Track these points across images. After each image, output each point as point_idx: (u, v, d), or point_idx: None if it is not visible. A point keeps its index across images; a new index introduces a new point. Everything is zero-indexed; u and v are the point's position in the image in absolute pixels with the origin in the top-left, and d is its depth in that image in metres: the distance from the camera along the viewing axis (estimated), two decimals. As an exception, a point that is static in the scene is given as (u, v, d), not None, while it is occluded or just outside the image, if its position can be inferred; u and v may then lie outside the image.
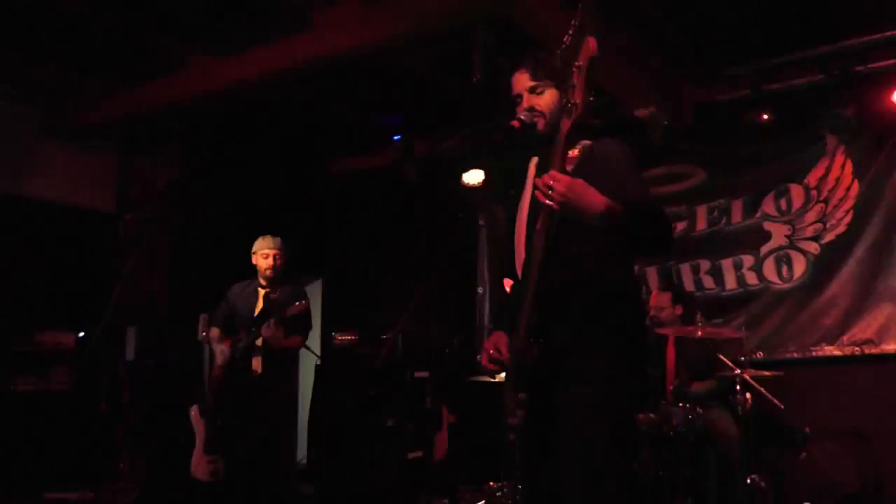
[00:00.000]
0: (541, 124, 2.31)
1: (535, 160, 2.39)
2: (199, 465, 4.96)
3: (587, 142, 2.25)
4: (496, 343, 2.32)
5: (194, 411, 5.08)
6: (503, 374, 2.45)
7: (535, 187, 2.17)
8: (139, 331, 6.31)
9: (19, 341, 5.28)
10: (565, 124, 2.12)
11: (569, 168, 2.14)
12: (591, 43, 2.10)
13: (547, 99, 2.32)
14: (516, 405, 2.21)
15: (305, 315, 4.48)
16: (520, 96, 2.36)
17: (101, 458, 5.23)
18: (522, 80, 2.35)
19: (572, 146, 2.18)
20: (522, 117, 2.31)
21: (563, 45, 3.90)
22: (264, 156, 6.89)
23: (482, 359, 2.34)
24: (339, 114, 6.48)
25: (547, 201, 2.05)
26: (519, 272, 2.29)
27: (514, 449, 4.46)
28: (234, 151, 6.73)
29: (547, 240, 2.10)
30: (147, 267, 6.39)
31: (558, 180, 2.04)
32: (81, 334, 5.68)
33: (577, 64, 2.11)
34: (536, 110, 2.32)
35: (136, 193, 6.71)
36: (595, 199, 2.06)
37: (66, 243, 6.03)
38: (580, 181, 2.07)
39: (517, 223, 2.34)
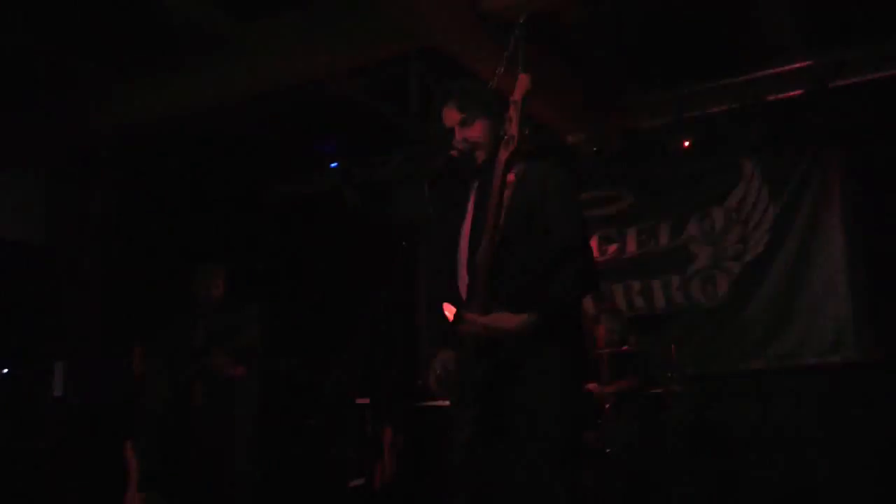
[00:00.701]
0: (477, 154, 2.42)
1: (475, 186, 2.48)
2: (133, 503, 4.86)
3: (522, 165, 2.35)
4: (444, 362, 2.39)
5: (128, 448, 4.97)
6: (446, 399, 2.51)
7: (476, 214, 2.28)
8: (67, 366, 6.13)
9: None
10: (502, 155, 2.24)
11: (507, 195, 2.24)
12: (525, 79, 2.25)
13: (478, 129, 2.42)
14: (466, 422, 2.28)
15: (253, 346, 4.46)
16: (452, 130, 2.44)
17: (33, 498, 5.04)
18: (451, 115, 2.44)
19: (509, 172, 2.28)
20: (460, 147, 2.40)
21: (496, 76, 4.05)
22: (199, 183, 6.82)
23: (430, 380, 2.40)
24: (274, 140, 6.48)
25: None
26: (463, 294, 2.36)
27: (461, 471, 4.51)
28: (167, 179, 6.64)
29: (492, 262, 2.20)
30: (78, 300, 6.23)
31: (472, 323, 2.22)
32: (5, 370, 5.50)
33: (512, 98, 2.25)
34: (470, 141, 2.41)
35: (65, 224, 6.54)
36: (505, 324, 2.21)
37: None
38: (486, 320, 2.21)
39: (459, 247, 2.41)
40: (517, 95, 2.26)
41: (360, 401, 5.88)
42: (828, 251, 5.31)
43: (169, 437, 4.61)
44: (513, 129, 2.24)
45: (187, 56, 4.92)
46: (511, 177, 2.26)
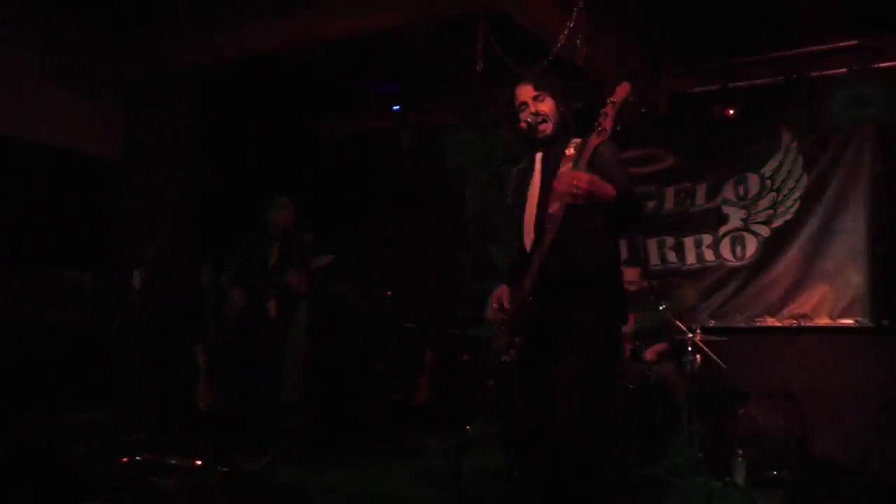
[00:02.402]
0: (545, 127, 2.86)
1: (539, 155, 2.92)
2: (204, 396, 5.52)
3: (579, 140, 2.79)
4: (501, 296, 2.88)
5: (200, 349, 5.61)
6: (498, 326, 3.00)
7: (543, 179, 2.75)
8: (144, 273, 6.73)
9: (42, 277, 5.73)
10: (593, 141, 2.65)
11: (568, 166, 2.70)
12: (626, 87, 2.65)
13: (548, 105, 2.87)
14: (510, 347, 2.79)
15: (323, 270, 5.01)
16: (525, 104, 2.89)
17: (117, 385, 5.72)
18: (527, 90, 2.88)
19: (569, 147, 2.74)
20: (529, 121, 2.85)
21: (559, 44, 4.42)
22: (266, 115, 7.27)
23: (490, 312, 2.90)
24: (339, 81, 6.86)
25: (572, 193, 2.58)
26: (527, 244, 2.83)
27: (494, 392, 5.06)
28: (239, 109, 7.10)
29: (562, 221, 2.66)
30: (154, 215, 6.76)
31: (582, 178, 2.58)
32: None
33: (611, 99, 2.65)
34: (541, 114, 2.86)
35: (140, 144, 7.04)
36: (608, 188, 2.63)
37: (77, 188, 6.33)
38: (596, 177, 2.61)
39: (527, 205, 2.87)
40: (617, 98, 2.65)
41: (406, 326, 6.47)
42: (852, 223, 5.64)
43: (240, 341, 5.23)
44: (607, 123, 2.63)
45: (270, 3, 5.31)
46: (570, 151, 2.71)
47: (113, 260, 6.41)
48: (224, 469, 4.43)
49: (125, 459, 4.29)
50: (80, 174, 6.39)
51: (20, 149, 5.94)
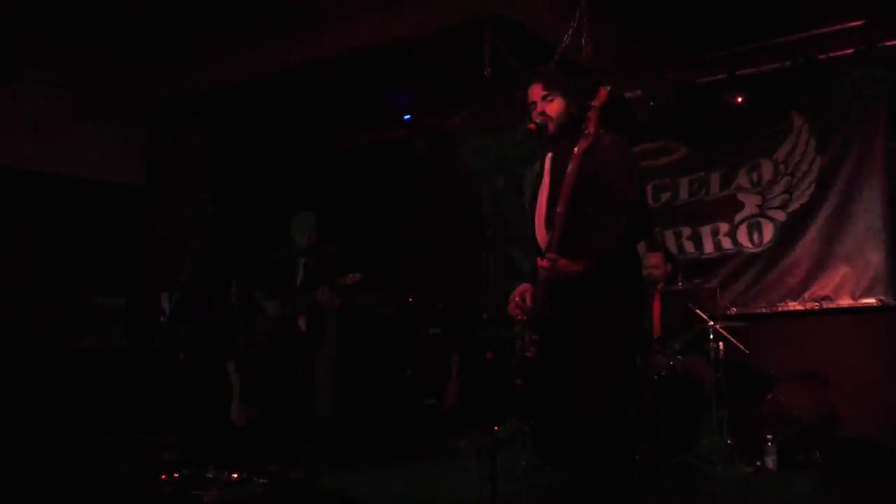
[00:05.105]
0: (551, 126, 2.94)
1: (550, 154, 3.00)
2: (237, 412, 5.63)
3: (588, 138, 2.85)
4: (522, 293, 2.96)
5: (231, 366, 5.73)
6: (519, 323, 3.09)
7: (552, 177, 2.84)
8: (172, 295, 6.88)
9: (77, 304, 5.91)
10: (581, 146, 2.75)
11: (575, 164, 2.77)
12: (603, 93, 2.75)
13: (556, 106, 2.94)
14: (532, 343, 2.87)
15: (352, 286, 5.10)
16: (534, 104, 2.97)
17: (154, 406, 5.86)
18: (536, 90, 2.97)
19: (576, 145, 2.81)
20: (537, 121, 2.94)
21: (563, 44, 4.50)
22: (283, 132, 7.42)
23: (510, 307, 2.98)
24: (351, 93, 6.98)
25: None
26: (540, 242, 2.91)
27: (522, 391, 5.14)
28: (256, 129, 7.26)
29: (568, 219, 2.74)
30: (179, 238, 6.92)
31: (544, 268, 2.74)
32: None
33: (591, 104, 2.75)
34: (547, 115, 2.94)
35: (164, 170, 7.21)
36: (571, 269, 2.73)
37: (105, 216, 6.53)
38: (563, 262, 2.72)
39: (537, 204, 2.96)
40: (596, 103, 2.74)
41: (432, 331, 6.56)
42: (868, 202, 5.64)
43: (271, 357, 5.35)
44: (590, 129, 2.73)
45: (281, 24, 5.45)
46: (577, 150, 2.78)
47: (145, 284, 6.58)
48: (262, 480, 4.52)
49: (164, 476, 4.40)
50: (107, 202, 6.59)
51: (49, 182, 6.15)
